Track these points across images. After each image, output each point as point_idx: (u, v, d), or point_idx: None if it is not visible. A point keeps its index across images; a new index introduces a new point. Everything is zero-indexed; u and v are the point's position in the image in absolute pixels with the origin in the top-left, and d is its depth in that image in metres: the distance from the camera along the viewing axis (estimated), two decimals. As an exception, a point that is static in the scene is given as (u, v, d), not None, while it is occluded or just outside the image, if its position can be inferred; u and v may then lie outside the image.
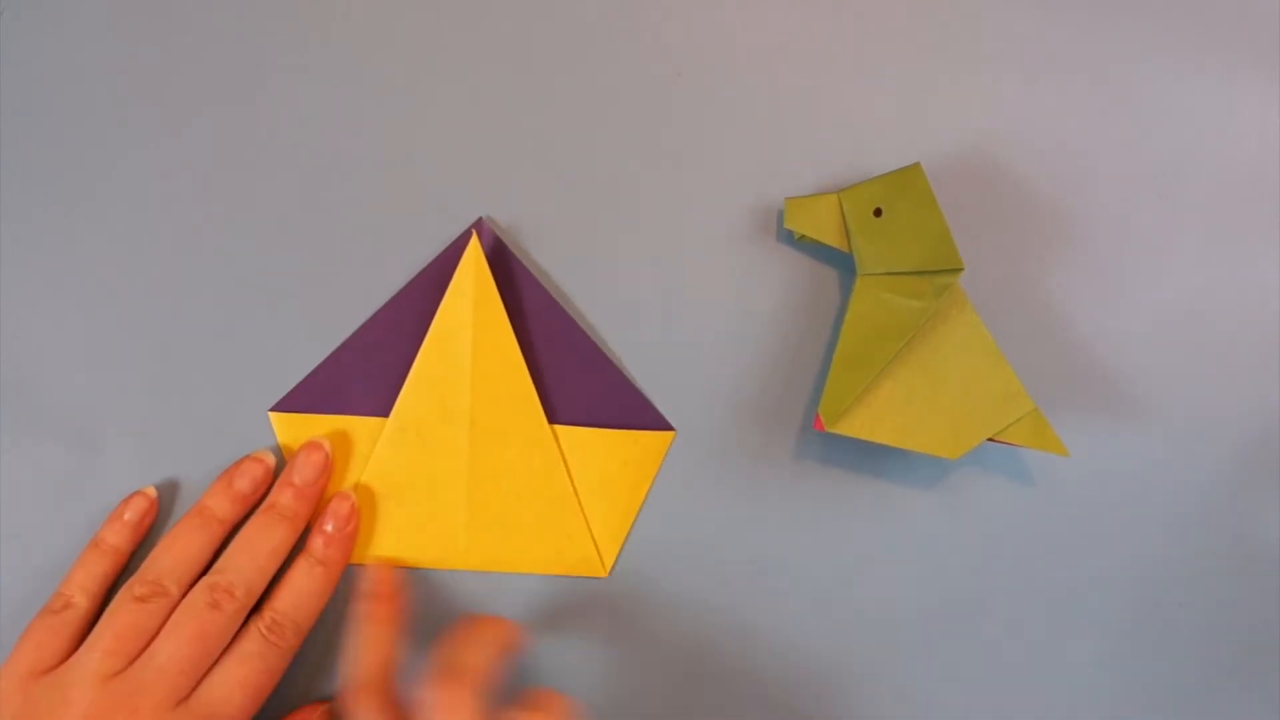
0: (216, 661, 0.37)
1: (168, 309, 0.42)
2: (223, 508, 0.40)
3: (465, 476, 0.42)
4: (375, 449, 0.42)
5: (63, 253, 0.42)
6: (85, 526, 0.41)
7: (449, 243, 0.43)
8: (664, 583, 0.44)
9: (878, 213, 0.42)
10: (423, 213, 0.43)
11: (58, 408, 0.42)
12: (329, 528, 0.40)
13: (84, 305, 0.42)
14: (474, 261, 0.42)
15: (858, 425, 0.41)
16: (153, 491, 0.41)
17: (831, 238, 0.43)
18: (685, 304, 0.44)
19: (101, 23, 0.43)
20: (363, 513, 0.42)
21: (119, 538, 0.40)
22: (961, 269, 0.41)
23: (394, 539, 0.42)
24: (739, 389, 0.44)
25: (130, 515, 0.40)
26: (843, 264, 0.45)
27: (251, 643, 0.37)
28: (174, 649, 0.36)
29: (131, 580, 0.38)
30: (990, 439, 0.41)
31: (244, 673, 0.36)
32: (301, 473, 0.40)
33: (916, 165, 0.42)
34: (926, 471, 0.45)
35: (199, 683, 0.36)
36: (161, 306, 0.42)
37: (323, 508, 0.41)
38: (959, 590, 0.45)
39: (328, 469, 0.41)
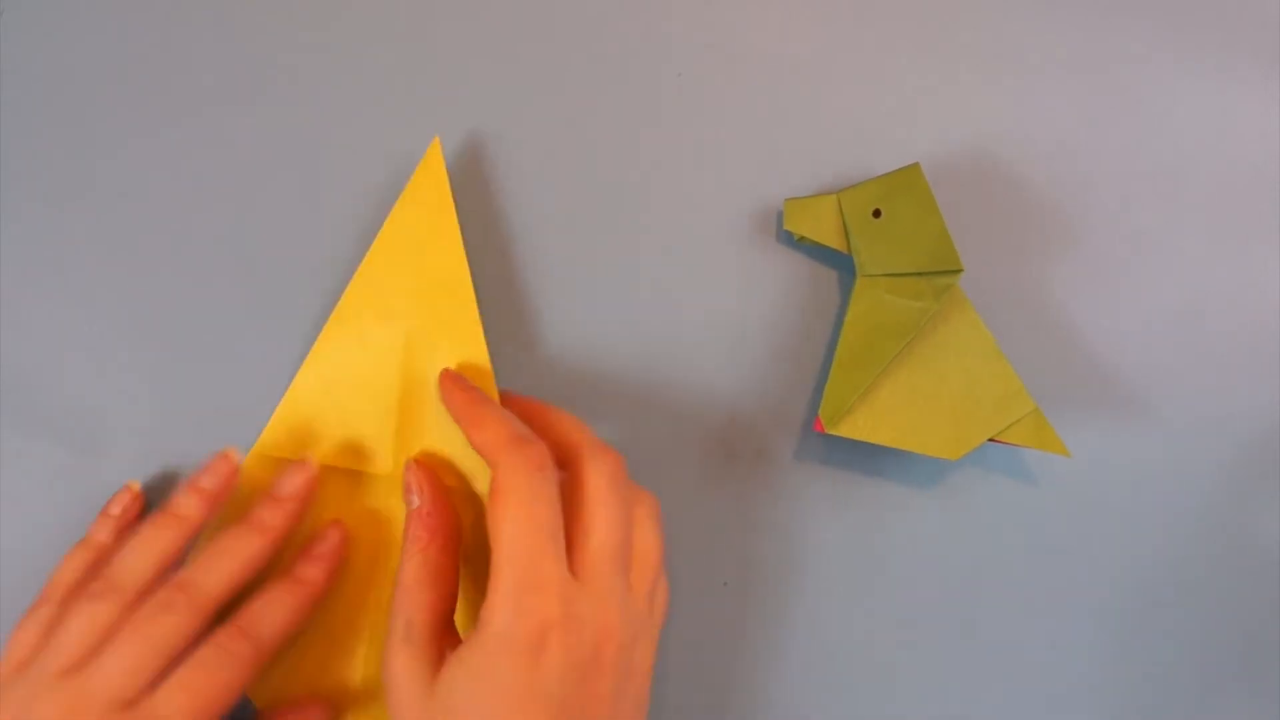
0: (173, 668, 0.35)
1: (168, 308, 0.42)
2: (186, 506, 0.38)
3: (397, 382, 0.40)
4: (314, 345, 0.40)
5: (63, 252, 0.42)
6: (86, 526, 0.41)
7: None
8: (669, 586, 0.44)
9: (877, 213, 0.42)
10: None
11: (58, 407, 0.42)
12: (316, 550, 0.39)
13: (84, 305, 0.42)
14: (434, 169, 0.40)
15: (858, 426, 0.41)
16: (136, 486, 0.41)
17: (831, 239, 0.43)
18: (685, 306, 0.44)
19: (101, 22, 0.43)
20: (294, 406, 0.40)
21: (104, 533, 0.39)
22: (961, 270, 0.41)
23: (322, 437, 0.40)
24: (739, 391, 0.44)
25: (115, 509, 0.40)
26: (843, 265, 0.45)
27: (207, 650, 0.35)
28: (123, 651, 0.34)
29: (91, 579, 0.37)
30: (991, 439, 0.41)
31: (196, 681, 0.35)
32: (284, 488, 0.39)
33: (915, 165, 0.42)
34: (927, 472, 0.45)
35: (151, 688, 0.35)
36: (162, 306, 0.42)
37: (313, 534, 0.40)
38: (960, 590, 0.45)
39: (312, 488, 0.40)
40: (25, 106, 0.43)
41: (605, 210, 0.44)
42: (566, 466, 0.36)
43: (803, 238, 0.43)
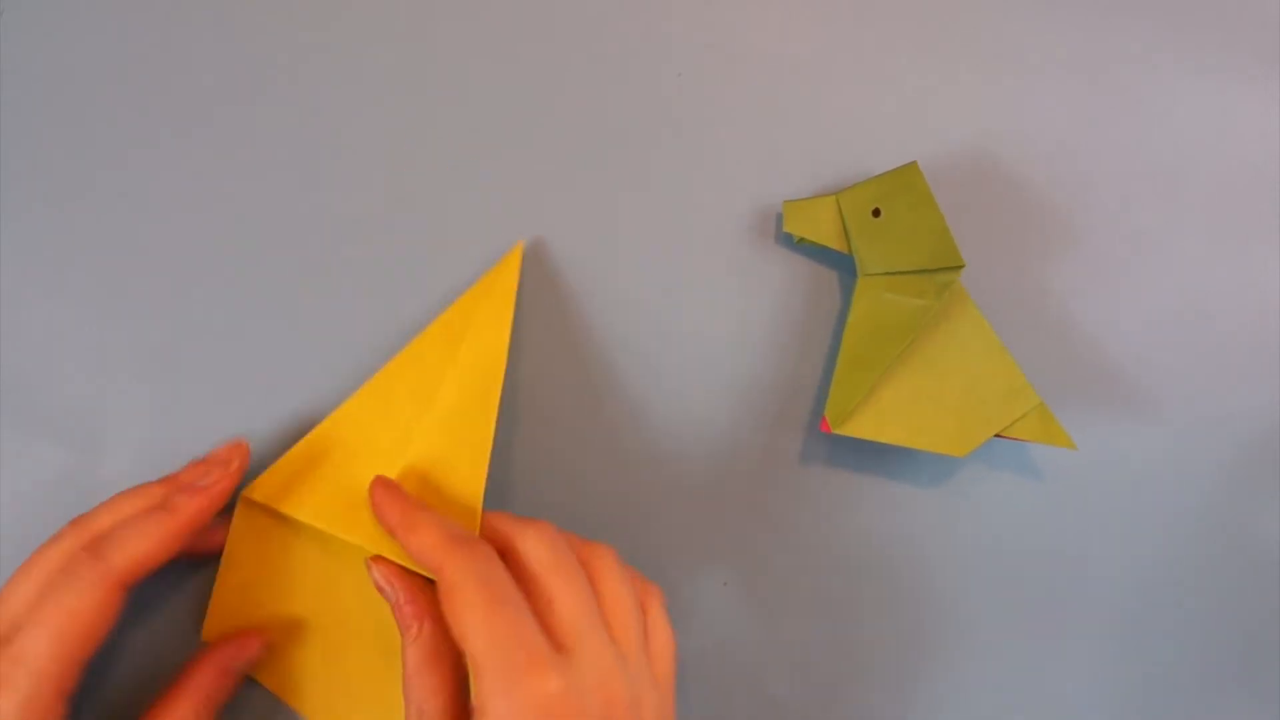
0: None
1: (168, 309, 0.42)
2: (157, 486, 0.38)
3: (400, 461, 0.39)
4: (344, 403, 0.40)
5: (63, 252, 0.42)
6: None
7: (445, 240, 0.43)
8: (669, 587, 0.43)
9: (876, 213, 0.42)
10: (421, 214, 0.43)
11: (58, 408, 0.41)
12: (193, 482, 0.38)
13: (84, 305, 0.42)
14: (510, 269, 0.41)
15: (864, 426, 0.41)
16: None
17: (831, 240, 0.43)
18: (687, 310, 0.44)
19: (101, 22, 0.43)
20: (302, 461, 0.40)
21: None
22: (962, 266, 0.41)
23: (316, 495, 0.39)
24: (743, 394, 0.44)
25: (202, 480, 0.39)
26: (843, 265, 0.45)
27: (59, 577, 0.34)
28: (6, 589, 0.35)
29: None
30: (997, 435, 0.41)
31: (50, 613, 0.34)
32: (205, 470, 0.39)
33: (913, 164, 0.42)
34: (933, 470, 0.45)
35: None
36: (162, 306, 0.42)
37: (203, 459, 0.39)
38: (965, 587, 0.45)
39: (240, 469, 0.39)
40: (25, 106, 0.43)
41: (604, 213, 0.44)
42: (504, 556, 0.35)
43: (803, 239, 0.43)
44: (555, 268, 0.44)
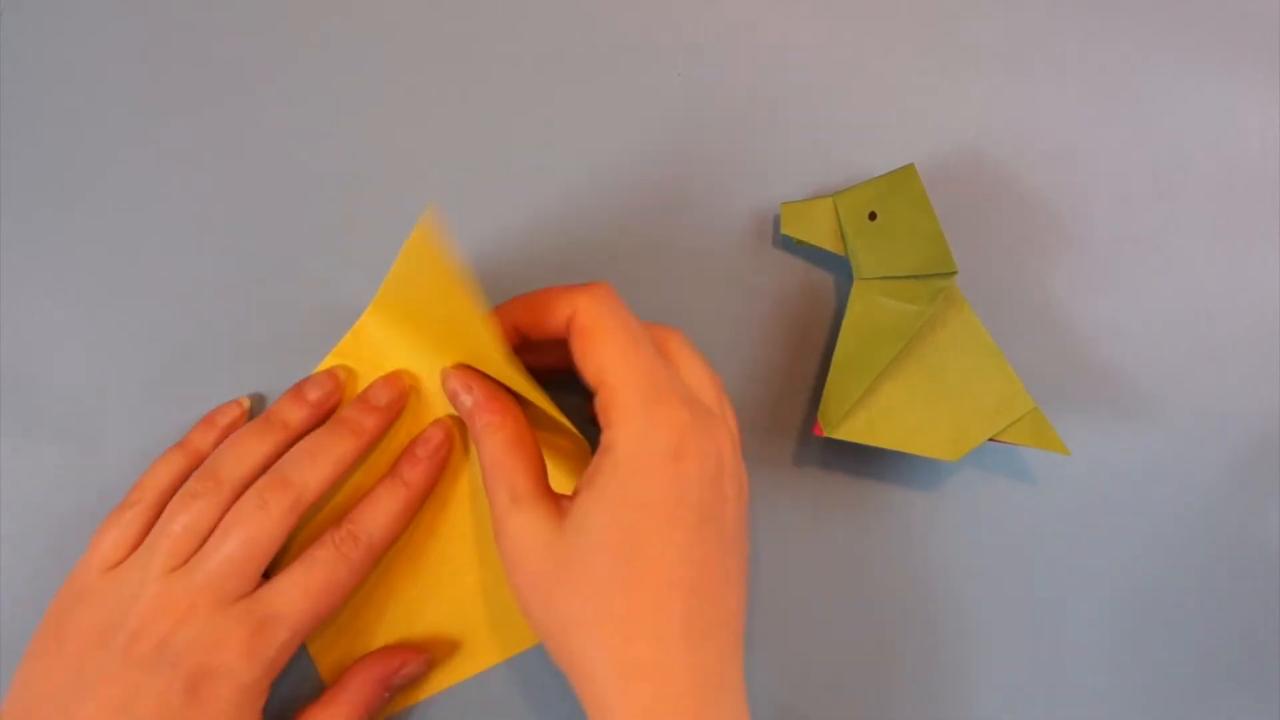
0: (285, 566, 0.37)
1: (168, 308, 0.42)
2: (289, 413, 0.39)
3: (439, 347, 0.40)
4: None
5: (62, 252, 0.42)
6: (86, 526, 0.41)
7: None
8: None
9: (872, 216, 0.42)
10: (415, 212, 0.43)
11: (58, 407, 0.42)
12: (419, 451, 0.40)
13: (84, 304, 0.42)
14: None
15: (857, 429, 0.41)
16: (246, 402, 0.41)
17: (828, 242, 0.43)
18: (682, 310, 0.44)
19: (101, 22, 0.43)
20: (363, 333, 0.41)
21: (203, 440, 0.40)
22: (955, 272, 0.41)
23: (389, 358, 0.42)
24: (737, 395, 0.44)
25: (222, 420, 0.41)
26: (839, 268, 0.45)
27: (323, 550, 0.37)
28: (226, 548, 0.35)
29: (190, 478, 0.38)
30: (991, 439, 0.41)
31: (309, 579, 0.36)
32: (377, 394, 0.40)
33: (910, 166, 0.42)
34: (927, 474, 0.45)
35: (262, 583, 0.36)
36: (161, 305, 0.42)
37: (417, 435, 0.41)
38: (960, 592, 0.45)
39: (404, 396, 0.41)
40: (25, 106, 0.43)
41: (602, 214, 0.44)
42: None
43: (800, 241, 0.43)
44: (554, 267, 0.44)
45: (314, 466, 0.37)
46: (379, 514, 0.38)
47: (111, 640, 0.35)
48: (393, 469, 0.40)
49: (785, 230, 0.43)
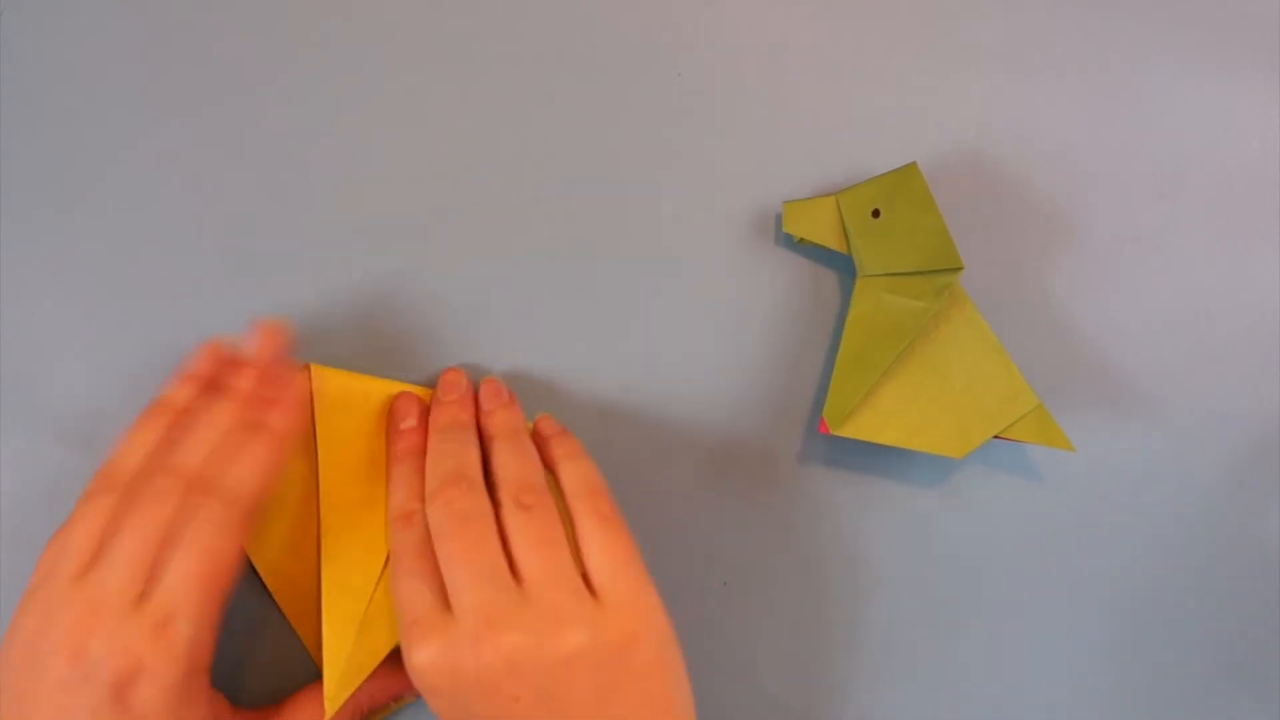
0: (168, 552, 0.34)
1: (168, 308, 0.42)
2: (178, 394, 0.38)
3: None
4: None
5: (62, 252, 0.42)
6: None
7: (445, 240, 0.43)
8: (667, 586, 0.43)
9: (876, 214, 0.42)
10: (416, 212, 0.43)
11: (58, 407, 0.41)
12: (273, 396, 0.38)
13: (84, 304, 0.42)
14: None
15: (862, 427, 0.41)
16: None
17: (830, 240, 0.43)
18: (685, 310, 0.44)
19: (101, 22, 0.43)
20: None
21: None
22: (961, 268, 0.41)
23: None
24: (742, 394, 0.44)
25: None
26: (843, 266, 0.45)
27: (192, 527, 0.34)
28: (123, 545, 0.34)
29: (91, 479, 0.36)
30: (995, 436, 0.41)
31: (192, 563, 0.34)
32: (277, 380, 0.39)
33: (913, 165, 0.42)
34: (932, 471, 0.45)
35: (157, 579, 0.34)
36: (161, 306, 0.42)
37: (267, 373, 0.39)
38: (964, 588, 0.45)
39: (304, 389, 0.40)
40: (25, 106, 0.43)
41: (604, 213, 0.44)
42: None
43: (802, 239, 0.43)
44: (553, 267, 0.44)
45: (202, 448, 0.36)
46: (241, 468, 0.36)
47: (37, 661, 0.33)
48: (246, 418, 0.37)
49: (787, 229, 0.43)
